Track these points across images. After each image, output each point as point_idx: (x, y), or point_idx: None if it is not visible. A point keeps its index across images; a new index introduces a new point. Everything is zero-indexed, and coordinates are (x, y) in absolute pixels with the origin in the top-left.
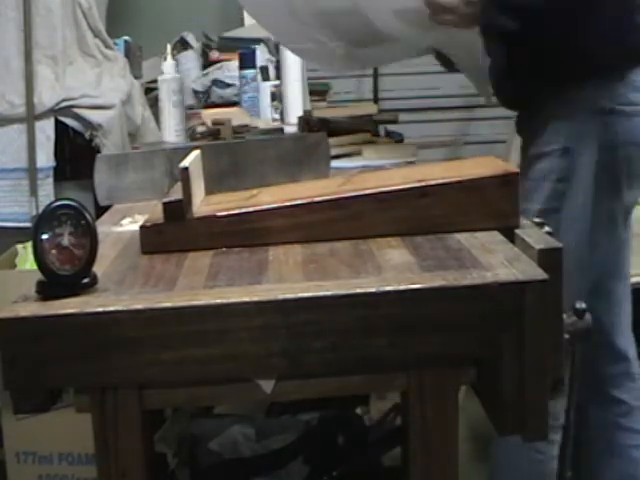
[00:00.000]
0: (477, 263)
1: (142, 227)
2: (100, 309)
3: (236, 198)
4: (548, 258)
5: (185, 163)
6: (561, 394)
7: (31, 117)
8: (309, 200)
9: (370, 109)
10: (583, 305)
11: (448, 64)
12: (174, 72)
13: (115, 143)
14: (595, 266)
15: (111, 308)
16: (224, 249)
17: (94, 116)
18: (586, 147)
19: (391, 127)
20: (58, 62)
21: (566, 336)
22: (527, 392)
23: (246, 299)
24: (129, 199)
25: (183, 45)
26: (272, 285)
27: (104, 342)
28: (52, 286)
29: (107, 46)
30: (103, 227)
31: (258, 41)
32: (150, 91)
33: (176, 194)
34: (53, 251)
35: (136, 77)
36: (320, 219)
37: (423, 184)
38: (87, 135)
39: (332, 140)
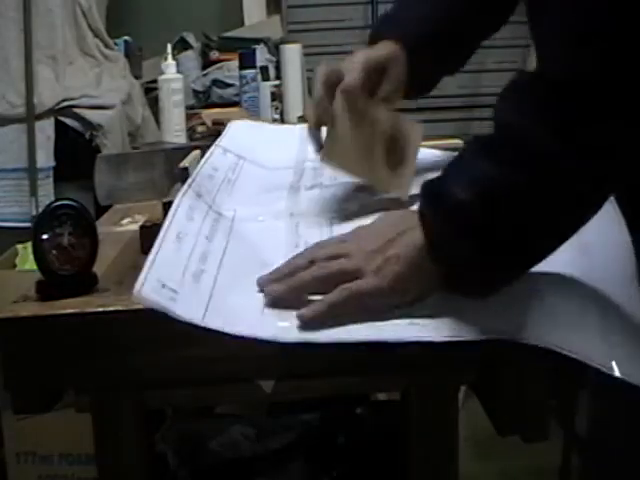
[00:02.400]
0: None
1: (142, 227)
2: (100, 309)
3: None
4: None
5: (185, 163)
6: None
7: (31, 117)
8: None
9: None
10: None
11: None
12: (174, 72)
13: (115, 143)
14: None
15: (111, 308)
16: None
17: (94, 116)
18: None
19: None
20: (58, 62)
21: None
22: (527, 392)
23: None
24: (129, 199)
25: (183, 45)
26: None
27: (104, 342)
28: (52, 286)
29: (107, 46)
30: (103, 227)
31: (258, 41)
32: (150, 91)
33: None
34: (53, 251)
35: (136, 77)
36: None
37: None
38: (87, 135)
39: None
